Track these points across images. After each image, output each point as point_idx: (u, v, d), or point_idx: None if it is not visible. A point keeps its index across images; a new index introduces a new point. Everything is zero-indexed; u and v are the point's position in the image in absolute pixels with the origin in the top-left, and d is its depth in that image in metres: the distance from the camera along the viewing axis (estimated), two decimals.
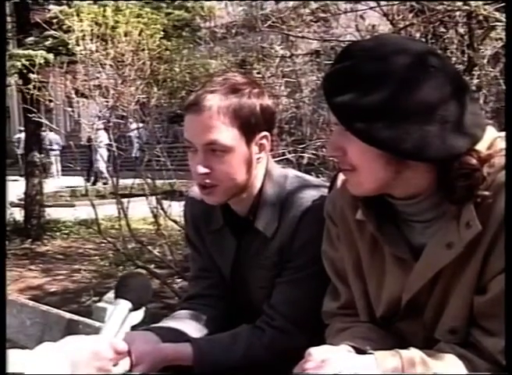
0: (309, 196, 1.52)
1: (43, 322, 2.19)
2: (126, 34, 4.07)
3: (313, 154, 4.06)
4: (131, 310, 1.30)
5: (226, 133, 1.43)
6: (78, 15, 4.38)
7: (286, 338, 1.49)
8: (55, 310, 2.23)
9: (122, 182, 4.74)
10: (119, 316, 1.28)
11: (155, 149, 4.79)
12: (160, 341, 1.49)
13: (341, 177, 1.39)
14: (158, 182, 4.89)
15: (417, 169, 1.18)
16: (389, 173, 1.17)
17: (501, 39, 3.41)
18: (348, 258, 1.35)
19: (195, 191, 1.69)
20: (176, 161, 5.22)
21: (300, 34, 4.86)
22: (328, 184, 1.52)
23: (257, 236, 1.55)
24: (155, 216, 4.43)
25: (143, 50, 4.15)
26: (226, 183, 1.48)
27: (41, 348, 1.13)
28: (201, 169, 1.45)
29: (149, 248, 4.59)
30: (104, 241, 5.41)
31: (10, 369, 1.04)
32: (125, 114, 4.15)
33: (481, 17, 3.13)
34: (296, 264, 1.51)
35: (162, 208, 4.66)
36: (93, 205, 4.80)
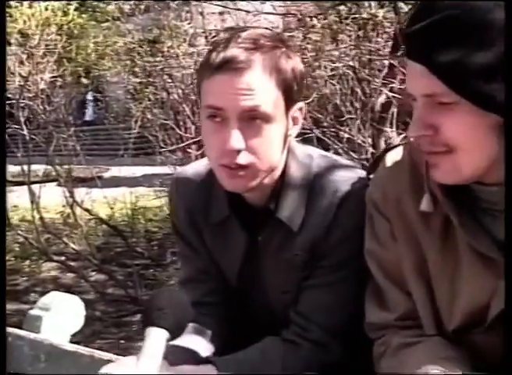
0: (344, 179, 1.27)
1: None
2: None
3: None
4: (169, 340, 1.00)
5: (270, 98, 1.17)
6: None
7: (326, 353, 1.26)
8: None
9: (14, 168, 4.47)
10: (157, 351, 0.97)
11: (63, 133, 4.54)
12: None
13: (392, 157, 1.17)
14: (67, 167, 4.65)
15: None
16: (494, 153, 0.98)
17: None
18: (407, 258, 1.13)
19: (188, 170, 1.42)
20: (87, 145, 5.00)
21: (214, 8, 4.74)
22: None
23: (279, 229, 1.28)
24: (71, 206, 4.20)
25: (49, 25, 3.86)
26: (262, 163, 1.19)
27: None
28: (237, 143, 1.15)
29: (64, 240, 4.34)
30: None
31: None
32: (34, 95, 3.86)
33: None
34: (333, 262, 1.26)
35: (72, 197, 4.43)
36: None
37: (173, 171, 5.12)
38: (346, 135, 3.24)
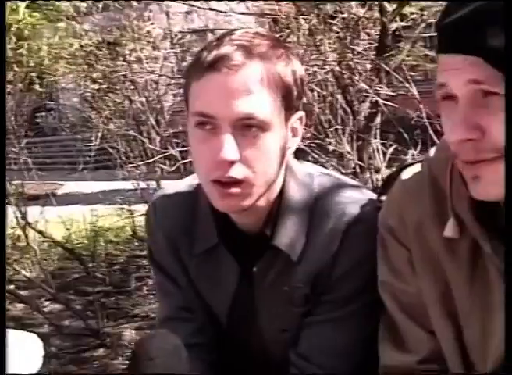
0: (351, 200, 1.22)
1: None
2: None
3: None
4: None
5: (268, 104, 1.12)
6: None
7: None
8: None
9: None
10: None
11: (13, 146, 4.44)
12: None
13: (408, 176, 1.13)
14: (17, 184, 4.54)
15: None
16: None
17: None
18: (430, 290, 1.08)
19: (168, 192, 1.37)
20: (40, 159, 4.91)
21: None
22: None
23: (277, 259, 1.23)
24: (22, 228, 4.08)
25: None
26: (257, 177, 1.13)
27: None
28: (230, 153, 1.09)
29: (14, 266, 4.21)
30: None
31: None
32: None
33: None
34: (339, 296, 1.21)
35: (24, 217, 4.31)
36: None
37: (136, 187, 5.05)
38: (331, 147, 3.19)
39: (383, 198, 1.18)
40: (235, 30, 1.19)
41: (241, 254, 1.26)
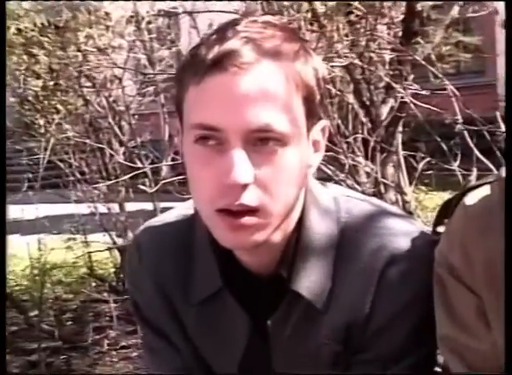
0: (392, 231, 1.23)
1: None
2: None
3: None
4: None
5: (287, 111, 1.11)
6: None
7: None
8: None
9: None
10: None
11: None
12: None
13: (474, 202, 1.15)
14: None
15: None
16: None
17: None
18: None
19: (155, 225, 1.39)
20: None
21: None
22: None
23: (297, 307, 1.25)
24: None
25: None
26: (275, 203, 1.14)
27: None
28: (242, 175, 1.10)
29: None
30: None
31: None
32: None
33: None
34: (380, 355, 1.22)
35: None
36: None
37: (94, 211, 5.02)
38: (349, 161, 3.18)
39: (440, 228, 1.21)
40: (236, 18, 1.19)
41: (251, 302, 1.27)
